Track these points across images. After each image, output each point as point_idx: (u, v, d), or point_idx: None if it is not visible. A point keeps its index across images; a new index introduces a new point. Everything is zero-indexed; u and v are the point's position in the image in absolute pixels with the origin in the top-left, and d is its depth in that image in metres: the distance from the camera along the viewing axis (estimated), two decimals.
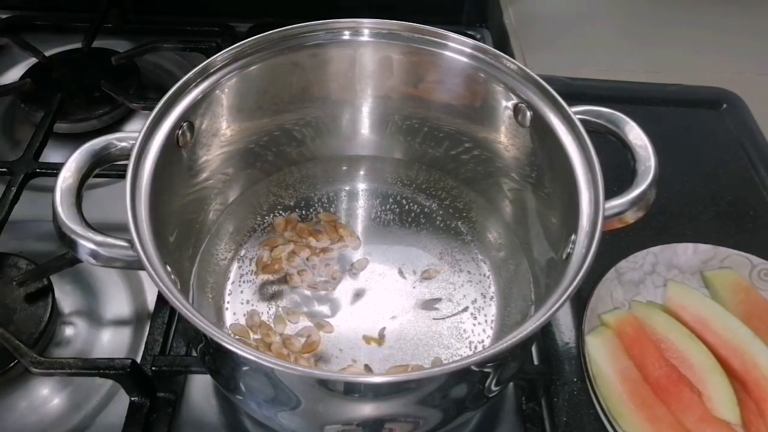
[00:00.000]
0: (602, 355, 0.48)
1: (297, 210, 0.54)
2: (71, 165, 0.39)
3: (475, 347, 0.47)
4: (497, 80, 0.46)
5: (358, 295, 0.50)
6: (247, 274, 0.51)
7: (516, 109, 0.46)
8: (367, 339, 0.47)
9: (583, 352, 0.48)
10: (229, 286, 0.50)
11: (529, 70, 0.45)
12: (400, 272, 0.51)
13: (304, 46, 0.48)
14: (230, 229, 0.53)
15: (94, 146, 0.40)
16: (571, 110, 0.42)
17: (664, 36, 0.84)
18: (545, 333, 0.51)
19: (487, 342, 0.47)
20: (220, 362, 0.40)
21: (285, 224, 0.53)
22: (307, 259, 0.51)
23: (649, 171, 0.41)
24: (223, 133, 0.48)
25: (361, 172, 0.57)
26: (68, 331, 0.51)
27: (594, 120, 0.43)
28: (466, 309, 0.49)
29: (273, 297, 0.49)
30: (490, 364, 0.37)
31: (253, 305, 0.49)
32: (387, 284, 0.50)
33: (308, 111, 0.52)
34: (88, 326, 0.51)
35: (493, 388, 0.41)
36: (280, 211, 0.54)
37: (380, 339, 0.47)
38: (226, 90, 0.46)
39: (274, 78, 0.49)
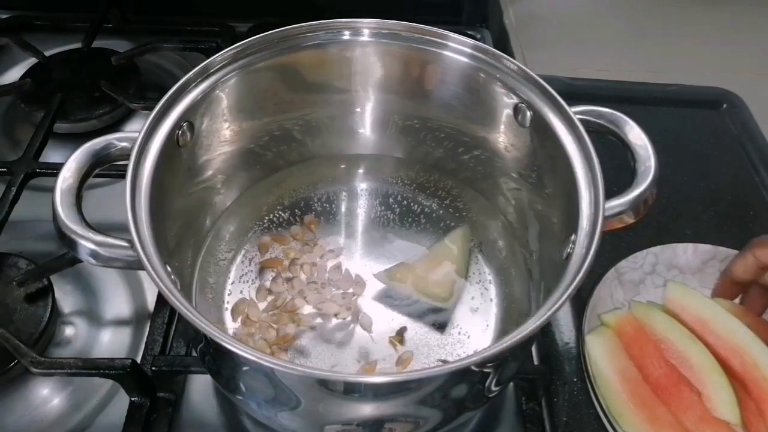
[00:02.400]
0: (602, 355, 0.48)
1: (297, 210, 0.54)
2: (71, 165, 0.39)
3: (475, 347, 0.47)
4: (497, 80, 0.46)
5: (356, 294, 0.50)
6: (247, 273, 0.51)
7: (516, 109, 0.46)
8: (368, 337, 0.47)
9: (583, 352, 0.48)
10: (229, 286, 0.50)
11: (529, 70, 0.45)
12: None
13: (304, 46, 0.48)
14: (230, 229, 0.53)
15: (94, 146, 0.40)
16: (571, 110, 0.42)
17: (664, 36, 0.84)
18: (545, 333, 0.51)
19: (487, 342, 0.48)
20: (220, 362, 0.40)
21: (300, 233, 0.53)
22: (300, 266, 0.51)
23: (649, 171, 0.41)
24: (223, 133, 0.49)
25: (362, 172, 0.57)
26: (68, 331, 0.51)
27: (594, 120, 0.43)
28: (466, 308, 0.49)
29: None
30: (490, 364, 0.37)
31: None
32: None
33: (308, 111, 0.52)
34: (88, 326, 0.51)
35: (493, 388, 0.41)
36: (280, 211, 0.54)
37: (377, 338, 0.47)
38: (226, 90, 0.46)
39: (274, 78, 0.49)
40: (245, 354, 0.32)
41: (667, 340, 0.49)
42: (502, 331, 0.48)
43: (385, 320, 0.48)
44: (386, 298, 0.49)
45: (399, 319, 0.48)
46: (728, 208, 0.62)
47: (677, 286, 0.52)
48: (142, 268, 0.35)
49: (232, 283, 0.50)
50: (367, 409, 0.38)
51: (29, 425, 0.46)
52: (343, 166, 0.57)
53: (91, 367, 0.45)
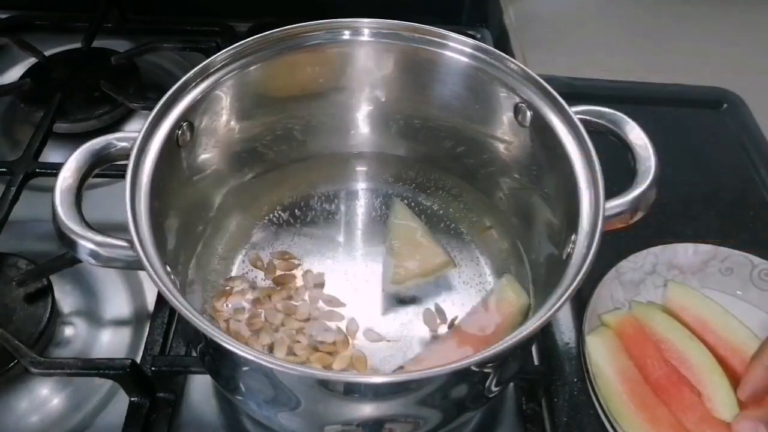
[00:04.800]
0: (602, 355, 0.48)
1: (297, 209, 0.54)
2: (71, 165, 0.39)
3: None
4: (498, 80, 0.46)
5: (356, 295, 0.50)
6: (247, 273, 0.51)
7: (516, 109, 0.46)
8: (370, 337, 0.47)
9: (583, 352, 0.48)
10: None
11: (529, 70, 0.45)
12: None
13: (304, 46, 0.48)
14: (230, 229, 0.53)
15: (94, 146, 0.40)
16: (572, 110, 0.42)
17: (664, 36, 0.84)
18: (545, 333, 0.51)
19: None
20: (220, 362, 0.40)
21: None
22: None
23: (649, 171, 0.41)
24: (223, 133, 0.48)
25: (362, 172, 0.57)
26: (68, 331, 0.51)
27: (594, 120, 0.43)
28: (466, 308, 0.49)
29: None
30: (490, 365, 0.37)
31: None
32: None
33: (308, 110, 0.52)
34: (88, 326, 0.51)
35: (493, 388, 0.40)
36: (280, 210, 0.54)
37: (380, 338, 0.47)
38: (226, 90, 0.46)
39: (274, 78, 0.49)
40: (245, 354, 0.32)
41: (667, 340, 0.49)
42: None
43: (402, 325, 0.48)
44: (392, 301, 0.49)
45: (402, 318, 0.48)
46: (728, 208, 0.62)
47: (678, 286, 0.52)
48: (142, 268, 0.35)
49: None
50: (367, 410, 0.38)
51: (29, 425, 0.46)
52: (343, 166, 0.57)
53: (91, 367, 0.45)
